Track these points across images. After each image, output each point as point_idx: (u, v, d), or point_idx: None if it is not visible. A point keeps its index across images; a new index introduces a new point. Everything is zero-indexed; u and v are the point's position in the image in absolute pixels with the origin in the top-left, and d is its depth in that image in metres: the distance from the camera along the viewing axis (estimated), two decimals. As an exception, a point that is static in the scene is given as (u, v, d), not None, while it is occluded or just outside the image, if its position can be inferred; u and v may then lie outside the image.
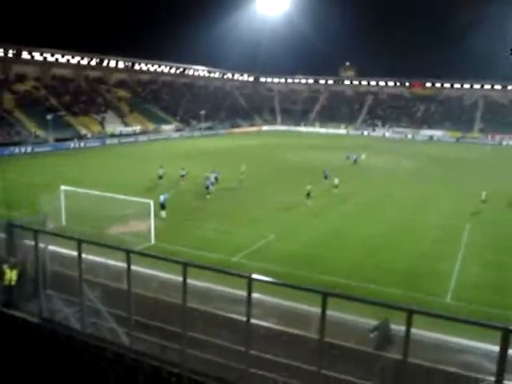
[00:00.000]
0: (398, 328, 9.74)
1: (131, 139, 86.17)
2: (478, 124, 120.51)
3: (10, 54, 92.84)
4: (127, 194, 30.69)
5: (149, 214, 27.05)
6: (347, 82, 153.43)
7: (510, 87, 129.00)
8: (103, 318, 10.68)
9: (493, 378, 5.81)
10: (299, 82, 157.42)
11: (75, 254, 9.91)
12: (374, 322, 11.04)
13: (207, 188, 39.13)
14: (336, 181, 42.39)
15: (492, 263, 25.24)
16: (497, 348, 5.73)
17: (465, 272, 23.57)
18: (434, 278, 22.73)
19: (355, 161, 63.10)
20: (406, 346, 6.14)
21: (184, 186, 42.20)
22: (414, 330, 6.25)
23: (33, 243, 10.68)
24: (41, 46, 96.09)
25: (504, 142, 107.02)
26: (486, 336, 7.13)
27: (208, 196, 38.59)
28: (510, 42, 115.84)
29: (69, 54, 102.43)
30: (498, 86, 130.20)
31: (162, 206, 30.69)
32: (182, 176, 44.21)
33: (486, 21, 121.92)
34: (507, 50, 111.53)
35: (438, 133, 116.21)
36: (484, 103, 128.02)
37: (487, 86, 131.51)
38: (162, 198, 30.98)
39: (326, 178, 46.49)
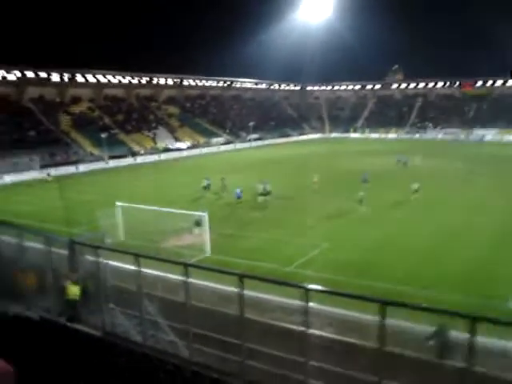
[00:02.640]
0: (456, 334, 9.50)
1: (183, 153, 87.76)
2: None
3: (66, 78, 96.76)
4: (180, 206, 31.29)
5: (203, 226, 27.42)
6: (395, 86, 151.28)
7: None
8: (162, 330, 10.88)
9: None
10: (346, 89, 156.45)
11: (134, 268, 10.16)
12: (432, 329, 10.77)
13: (238, 198, 40.49)
14: (415, 186, 41.42)
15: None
16: None
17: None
18: (497, 283, 21.93)
19: (405, 164, 61.97)
20: (471, 355, 5.96)
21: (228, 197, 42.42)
22: (478, 338, 6.07)
23: (94, 259, 11.03)
24: (93, 68, 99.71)
25: None
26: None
27: (238, 204, 39.91)
28: None
29: (120, 75, 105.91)
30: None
31: (197, 224, 28.98)
32: (225, 186, 45.23)
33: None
34: None
35: (491, 132, 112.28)
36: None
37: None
38: (196, 215, 29.01)
39: (364, 181, 45.88)
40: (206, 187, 45.54)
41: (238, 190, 40.94)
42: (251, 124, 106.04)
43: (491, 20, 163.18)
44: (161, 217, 27.68)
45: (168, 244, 27.43)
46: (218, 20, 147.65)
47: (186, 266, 9.08)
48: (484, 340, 8.37)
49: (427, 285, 21.27)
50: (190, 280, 9.30)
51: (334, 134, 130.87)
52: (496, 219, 33.72)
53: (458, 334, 7.40)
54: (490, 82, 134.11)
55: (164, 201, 36.01)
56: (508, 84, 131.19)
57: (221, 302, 12.28)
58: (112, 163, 74.53)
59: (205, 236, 26.93)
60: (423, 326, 10.79)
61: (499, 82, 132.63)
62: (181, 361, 9.36)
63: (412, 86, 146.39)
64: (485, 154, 78.26)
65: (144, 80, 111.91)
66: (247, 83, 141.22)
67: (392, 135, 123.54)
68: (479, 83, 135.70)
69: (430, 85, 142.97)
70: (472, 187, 46.63)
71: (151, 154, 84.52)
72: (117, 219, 29.36)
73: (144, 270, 10.21)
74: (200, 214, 28.27)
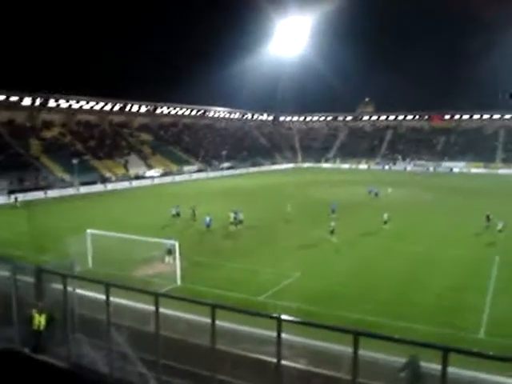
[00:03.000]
0: (427, 365, 9.51)
1: (155, 181, 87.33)
2: (500, 154, 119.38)
3: (38, 102, 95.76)
4: (150, 234, 30.97)
5: (174, 254, 27.15)
6: (366, 118, 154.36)
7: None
8: (131, 362, 10.60)
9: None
10: (318, 120, 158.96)
11: (102, 297, 9.93)
12: (403, 360, 10.77)
13: (207, 226, 40.47)
14: (385, 216, 42.05)
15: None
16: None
17: (496, 306, 22.95)
18: (466, 313, 22.19)
19: (376, 194, 62.93)
20: (443, 386, 5.95)
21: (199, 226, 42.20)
22: (449, 369, 6.08)
23: (61, 287, 10.75)
24: (66, 93, 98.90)
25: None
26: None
27: (206, 231, 39.99)
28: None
29: (93, 100, 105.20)
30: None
31: (169, 252, 28.73)
32: (194, 215, 45.16)
33: (501, 50, 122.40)
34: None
35: (459, 164, 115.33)
36: (505, 133, 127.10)
37: (507, 116, 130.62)
38: (168, 244, 28.89)
39: (333, 212, 46.33)
40: (175, 215, 45.32)
41: (207, 218, 40.85)
42: (224, 153, 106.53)
43: (459, 56, 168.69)
44: (131, 244, 27.35)
45: (138, 272, 27.07)
46: (194, 48, 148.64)
47: (157, 296, 8.92)
48: (455, 371, 8.40)
49: (398, 315, 21.37)
50: (161, 310, 9.14)
51: (306, 164, 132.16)
52: (464, 249, 34.29)
53: (429, 364, 7.40)
54: (457, 116, 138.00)
55: (134, 228, 35.59)
56: (474, 117, 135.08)
57: (192, 332, 12.09)
58: (83, 189, 73.50)
59: (176, 265, 26.63)
60: (395, 358, 10.80)
61: (466, 116, 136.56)
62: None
63: (383, 118, 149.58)
64: (453, 185, 79.96)
65: (117, 106, 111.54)
66: (221, 112, 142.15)
67: (363, 166, 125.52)
68: (447, 117, 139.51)
69: (400, 117, 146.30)
70: (441, 218, 47.43)
71: (122, 180, 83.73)
72: (86, 246, 28.86)
73: (113, 299, 9.99)
74: (171, 242, 28.04)
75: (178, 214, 45.46)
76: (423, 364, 10.12)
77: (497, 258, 31.68)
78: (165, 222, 43.91)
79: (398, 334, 7.75)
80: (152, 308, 9.11)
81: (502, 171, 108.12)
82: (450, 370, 6.09)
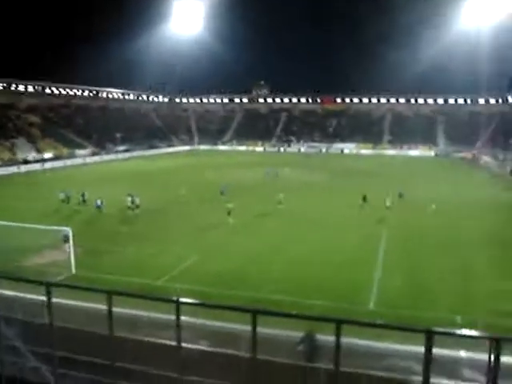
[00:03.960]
0: (323, 338, 9.97)
1: (45, 165, 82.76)
2: (386, 136, 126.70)
3: None
4: (41, 221, 29.51)
5: (67, 242, 26.05)
6: (261, 100, 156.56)
7: (412, 100, 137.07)
8: (24, 356, 10.09)
9: (420, 378, 6.03)
10: (214, 102, 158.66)
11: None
12: (301, 335, 11.21)
13: (98, 207, 40.04)
14: (281, 196, 42.95)
15: (408, 267, 26.42)
16: (422, 349, 5.96)
17: (384, 278, 24.48)
18: (357, 288, 23.43)
19: (276, 175, 64.34)
20: (337, 357, 6.26)
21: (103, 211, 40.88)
22: (342, 339, 6.41)
23: None
24: None
25: (410, 152, 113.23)
26: (410, 339, 7.41)
27: (98, 215, 39.35)
28: (414, 56, 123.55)
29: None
30: (402, 100, 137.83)
31: (66, 239, 26.95)
32: (84, 201, 43.87)
33: (391, 37, 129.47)
34: (412, 64, 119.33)
35: (349, 146, 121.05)
36: (391, 116, 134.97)
37: (392, 100, 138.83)
38: (65, 231, 27.24)
39: (222, 193, 46.97)
40: (65, 200, 43.47)
41: (98, 201, 39.75)
42: (119, 135, 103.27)
43: (348, 41, 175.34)
44: (20, 233, 25.82)
45: (30, 262, 25.69)
46: (85, 27, 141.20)
47: (48, 285, 8.51)
48: (350, 341, 8.87)
49: (295, 292, 22.10)
50: (55, 300, 8.76)
51: (202, 147, 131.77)
52: (355, 226, 36.13)
53: (327, 337, 7.75)
54: (348, 99, 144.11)
55: (22, 215, 33.69)
56: (364, 101, 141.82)
57: (89, 321, 11.71)
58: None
59: (70, 252, 25.57)
60: (293, 333, 11.20)
61: (356, 99, 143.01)
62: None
63: (278, 100, 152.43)
64: (344, 166, 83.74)
65: (0, 86, 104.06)
66: (114, 93, 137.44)
67: (259, 148, 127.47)
68: (338, 100, 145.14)
69: (294, 100, 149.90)
70: (333, 197, 49.52)
71: (9, 165, 78.46)
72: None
73: (2, 291, 9.44)
74: (64, 229, 26.85)
75: (68, 199, 43.63)
76: (321, 337, 10.61)
77: (384, 233, 33.73)
78: (55, 208, 41.94)
79: (296, 309, 8.01)
80: (44, 299, 8.70)
81: (388, 152, 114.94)
82: (345, 340, 6.42)
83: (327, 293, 22.27)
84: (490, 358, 5.87)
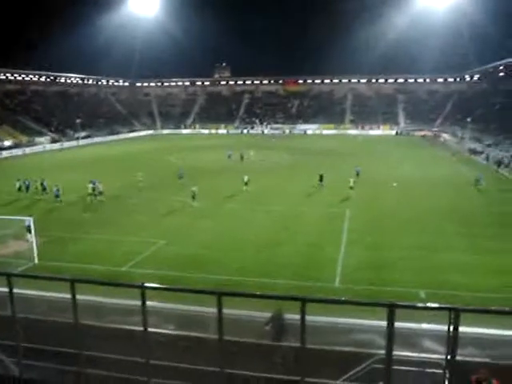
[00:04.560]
0: (291, 317, 10.10)
1: (2, 154, 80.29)
2: (348, 116, 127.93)
3: None
4: (4, 212, 28.86)
5: (29, 231, 25.50)
6: (223, 83, 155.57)
7: (373, 80, 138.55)
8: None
9: (383, 352, 6.17)
10: (176, 85, 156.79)
11: None
12: (268, 315, 11.31)
13: (57, 197, 39.03)
14: (246, 178, 43.01)
15: (371, 244, 26.91)
16: (385, 323, 6.09)
17: (349, 256, 24.88)
18: (323, 266, 23.75)
19: (241, 158, 64.56)
20: (303, 334, 6.35)
21: (64, 199, 40.08)
22: (308, 317, 6.49)
23: None
24: None
25: (372, 132, 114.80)
26: (375, 313, 7.57)
27: (58, 204, 38.39)
28: (375, 36, 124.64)
29: None
30: (363, 80, 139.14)
31: (29, 229, 26.14)
32: (44, 189, 42.59)
33: (353, 18, 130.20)
34: (373, 45, 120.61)
35: (312, 126, 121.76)
36: (352, 96, 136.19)
37: (354, 80, 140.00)
38: (26, 221, 26.40)
39: (180, 177, 46.87)
40: (22, 189, 42.29)
41: (54, 189, 39.06)
42: (78, 121, 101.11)
43: (310, 22, 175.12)
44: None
45: (-12, 253, 25.07)
46: (41, 10, 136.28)
47: (9, 276, 8.33)
48: (315, 319, 9.00)
49: (262, 273, 22.28)
50: (17, 291, 8.59)
51: (165, 131, 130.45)
52: (318, 206, 36.51)
53: (294, 316, 7.84)
54: (309, 80, 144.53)
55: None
56: (325, 82, 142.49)
57: (53, 311, 11.55)
58: None
59: (32, 242, 25.05)
60: (260, 313, 11.29)
61: (318, 81, 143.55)
62: (10, 380, 8.61)
63: (240, 82, 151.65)
64: (307, 147, 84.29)
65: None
66: (73, 78, 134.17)
67: (222, 131, 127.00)
68: (300, 81, 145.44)
69: (256, 82, 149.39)
70: (297, 178, 49.84)
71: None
72: None
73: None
74: (26, 218, 26.24)
75: (27, 188, 42.47)
76: (288, 316, 10.73)
77: (348, 212, 34.21)
78: (14, 198, 40.90)
79: (263, 290, 8.12)
80: (6, 290, 8.53)
81: (350, 131, 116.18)
82: (311, 318, 6.51)
83: (292, 272, 22.51)
84: (449, 328, 6.05)
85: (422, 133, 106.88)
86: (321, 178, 43.77)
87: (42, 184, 42.61)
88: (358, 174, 46.87)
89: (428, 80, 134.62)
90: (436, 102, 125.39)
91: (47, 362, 9.15)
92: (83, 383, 8.10)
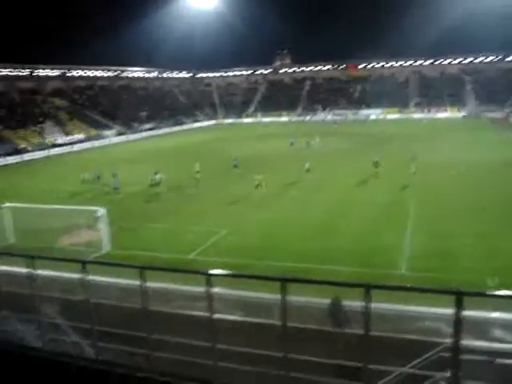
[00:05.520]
0: (353, 304, 10.07)
1: (74, 147, 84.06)
2: (413, 99, 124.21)
3: None
4: (76, 203, 30.11)
5: (100, 221, 26.55)
6: (284, 70, 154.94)
7: (437, 61, 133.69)
8: (64, 332, 10.47)
9: (450, 340, 6.09)
10: (236, 75, 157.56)
11: (28, 270, 9.66)
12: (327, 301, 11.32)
13: (115, 189, 40.14)
14: (307, 165, 43.18)
15: (435, 232, 26.19)
16: (452, 311, 5.99)
17: (413, 243, 24.36)
18: (387, 253, 23.38)
19: (308, 144, 64.36)
20: (368, 321, 6.35)
21: (128, 190, 41.42)
22: (372, 304, 6.47)
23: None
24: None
25: (438, 115, 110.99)
26: (441, 301, 7.44)
27: (118, 195, 39.40)
28: (434, 17, 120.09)
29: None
30: (427, 62, 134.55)
31: (99, 218, 26.97)
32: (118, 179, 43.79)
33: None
34: (433, 26, 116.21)
35: (376, 111, 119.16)
36: (416, 79, 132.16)
37: (417, 63, 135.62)
38: (99, 212, 27.23)
39: (235, 166, 46.95)
40: (86, 181, 44.20)
41: (112, 181, 40.70)
42: (143, 114, 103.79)
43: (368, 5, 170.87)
44: (54, 215, 26.41)
45: (63, 243, 26.34)
46: (102, 6, 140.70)
47: (83, 263, 8.79)
48: (379, 305, 8.94)
49: (324, 260, 22.21)
50: (90, 277, 9.04)
51: (227, 120, 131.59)
52: (382, 193, 35.92)
53: (353, 303, 7.84)
54: (370, 65, 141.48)
55: (56, 197, 34.45)
56: (387, 65, 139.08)
57: (124, 296, 12.05)
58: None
59: (103, 231, 26.10)
60: (322, 300, 11.32)
61: (379, 65, 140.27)
62: (86, 361, 9.08)
63: (300, 70, 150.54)
64: (371, 132, 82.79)
65: (25, 72, 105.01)
66: (137, 72, 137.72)
67: (284, 118, 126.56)
68: (361, 66, 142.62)
69: (317, 68, 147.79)
70: (359, 165, 49.06)
71: (40, 149, 79.64)
72: (5, 221, 27.62)
73: (40, 271, 9.75)
74: (97, 208, 27.34)
75: (98, 178, 44.44)
76: (350, 303, 10.71)
77: (412, 200, 33.44)
78: (84, 189, 42.67)
79: (325, 277, 8.11)
80: (80, 276, 8.98)
81: (415, 115, 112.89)
82: (375, 305, 6.50)
83: (355, 259, 22.30)
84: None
85: (493, 114, 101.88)
86: (376, 164, 42.84)
87: (114, 176, 43.91)
88: (413, 159, 45.57)
89: (496, 59, 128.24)
90: (507, 81, 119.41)
91: (119, 345, 9.59)
92: (152, 365, 8.44)
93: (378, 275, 19.77)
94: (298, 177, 42.77)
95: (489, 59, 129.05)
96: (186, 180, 44.91)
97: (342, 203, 33.84)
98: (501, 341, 9.15)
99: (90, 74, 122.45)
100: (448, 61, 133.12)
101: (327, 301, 11.32)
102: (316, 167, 43.91)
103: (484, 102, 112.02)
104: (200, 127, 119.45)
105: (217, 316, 7.97)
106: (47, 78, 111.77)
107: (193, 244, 25.87)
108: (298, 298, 10.05)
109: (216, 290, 7.89)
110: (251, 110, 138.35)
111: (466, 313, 5.79)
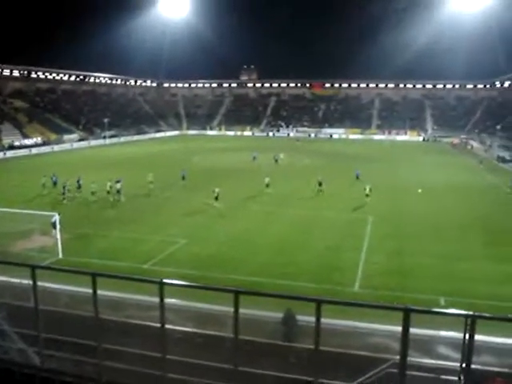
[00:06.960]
0: (305, 318, 10.15)
1: (33, 151, 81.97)
2: (375, 121, 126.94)
3: None
4: (31, 207, 29.40)
5: (55, 227, 25.98)
6: (250, 85, 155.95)
7: (401, 85, 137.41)
8: (10, 339, 10.16)
9: (398, 357, 6.19)
10: (203, 87, 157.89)
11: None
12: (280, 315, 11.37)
13: (63, 194, 39.59)
14: (267, 180, 43.24)
15: (392, 250, 26.69)
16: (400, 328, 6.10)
17: (370, 261, 24.74)
18: (342, 270, 23.65)
19: (276, 160, 64.63)
20: (318, 336, 6.40)
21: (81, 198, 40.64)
22: (324, 320, 6.54)
23: None
24: None
25: (398, 137, 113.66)
26: (392, 318, 7.60)
27: (64, 201, 38.84)
28: (403, 42, 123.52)
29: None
30: (391, 85, 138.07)
31: (54, 225, 26.72)
32: (79, 187, 42.64)
33: (380, 23, 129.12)
34: (401, 50, 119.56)
35: (338, 131, 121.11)
36: (379, 101, 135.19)
37: (381, 85, 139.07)
38: (53, 217, 26.91)
39: (183, 178, 47.10)
40: (44, 185, 43.04)
41: (65, 184, 40.16)
42: (106, 120, 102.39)
43: (338, 26, 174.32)
44: (8, 219, 25.67)
45: (17, 247, 25.62)
46: (71, 10, 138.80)
47: (33, 268, 8.57)
48: (330, 321, 9.04)
49: (281, 275, 22.29)
50: (41, 284, 8.83)
51: (191, 132, 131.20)
52: (340, 212, 36.38)
53: (306, 317, 7.91)
54: (336, 84, 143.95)
55: (8, 201, 33.50)
56: (353, 86, 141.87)
57: (74, 304, 11.80)
58: None
59: (57, 237, 25.53)
60: (274, 313, 11.36)
61: (345, 85, 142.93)
62: (31, 369, 8.84)
63: (266, 85, 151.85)
64: (333, 151, 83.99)
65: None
66: (101, 78, 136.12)
67: (247, 133, 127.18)
68: (327, 85, 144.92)
69: (283, 85, 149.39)
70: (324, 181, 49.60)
71: (-6, 151, 77.45)
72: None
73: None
74: (51, 214, 26.77)
75: (54, 184, 43.48)
76: (303, 318, 10.78)
77: (370, 218, 33.97)
78: (40, 194, 41.72)
79: (281, 292, 8.18)
80: (30, 282, 8.76)
81: (376, 137, 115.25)
82: (327, 320, 6.58)
83: (311, 275, 22.50)
84: (464, 335, 6.05)
85: (450, 139, 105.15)
86: (320, 184, 43.23)
87: (77, 182, 42.90)
88: (357, 178, 46.53)
89: (457, 86, 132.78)
90: (465, 108, 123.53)
91: (67, 353, 9.36)
92: (100, 375, 8.28)
93: (332, 292, 19.98)
94: (258, 191, 42.90)
95: (449, 86, 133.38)
96: (143, 189, 44.37)
97: (300, 219, 34.09)
98: (447, 358, 9.38)
99: (53, 77, 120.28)
100: (411, 85, 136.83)
101: (277, 314, 11.38)
102: (275, 183, 44.11)
103: (443, 127, 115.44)
104: (164, 137, 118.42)
105: (168, 326, 7.90)
106: (8, 77, 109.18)
107: (150, 253, 25.60)
108: (249, 310, 10.08)
109: (169, 300, 7.83)
110: (216, 122, 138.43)
111: (415, 331, 5.92)
